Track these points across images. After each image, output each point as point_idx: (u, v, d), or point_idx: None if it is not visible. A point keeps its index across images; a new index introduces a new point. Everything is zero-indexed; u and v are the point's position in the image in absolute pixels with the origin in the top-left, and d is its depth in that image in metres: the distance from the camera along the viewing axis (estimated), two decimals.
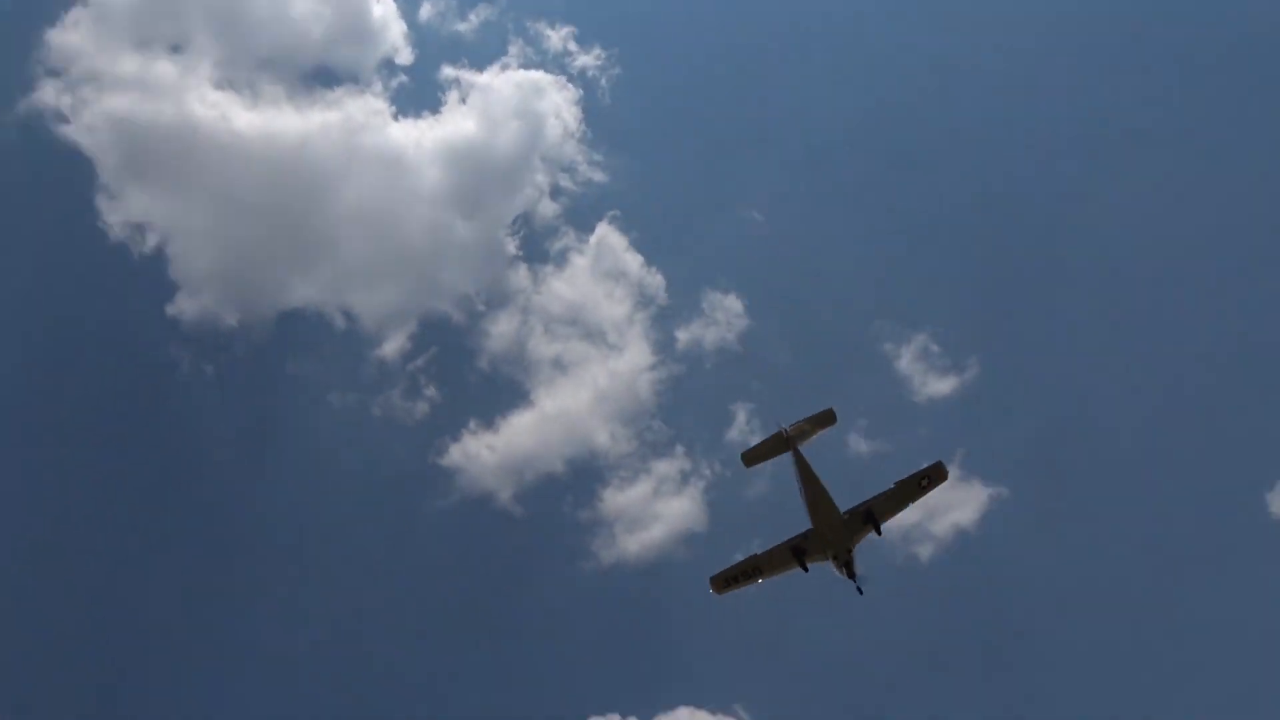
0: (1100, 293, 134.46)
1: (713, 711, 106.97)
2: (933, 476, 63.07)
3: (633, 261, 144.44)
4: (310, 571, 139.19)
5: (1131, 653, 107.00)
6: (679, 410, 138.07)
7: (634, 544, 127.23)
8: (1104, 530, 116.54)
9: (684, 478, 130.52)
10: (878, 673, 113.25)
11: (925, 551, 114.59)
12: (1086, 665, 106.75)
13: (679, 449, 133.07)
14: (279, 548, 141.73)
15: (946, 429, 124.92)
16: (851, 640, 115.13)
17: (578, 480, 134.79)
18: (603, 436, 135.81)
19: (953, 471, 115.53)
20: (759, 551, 63.55)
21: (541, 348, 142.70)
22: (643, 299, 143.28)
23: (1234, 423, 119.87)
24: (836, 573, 63.57)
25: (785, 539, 63.37)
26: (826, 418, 62.34)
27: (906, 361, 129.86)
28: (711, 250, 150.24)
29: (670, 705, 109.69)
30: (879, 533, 62.69)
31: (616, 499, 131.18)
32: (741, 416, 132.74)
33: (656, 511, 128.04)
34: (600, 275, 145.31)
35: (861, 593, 63.38)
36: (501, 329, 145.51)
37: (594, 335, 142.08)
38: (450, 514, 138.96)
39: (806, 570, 62.89)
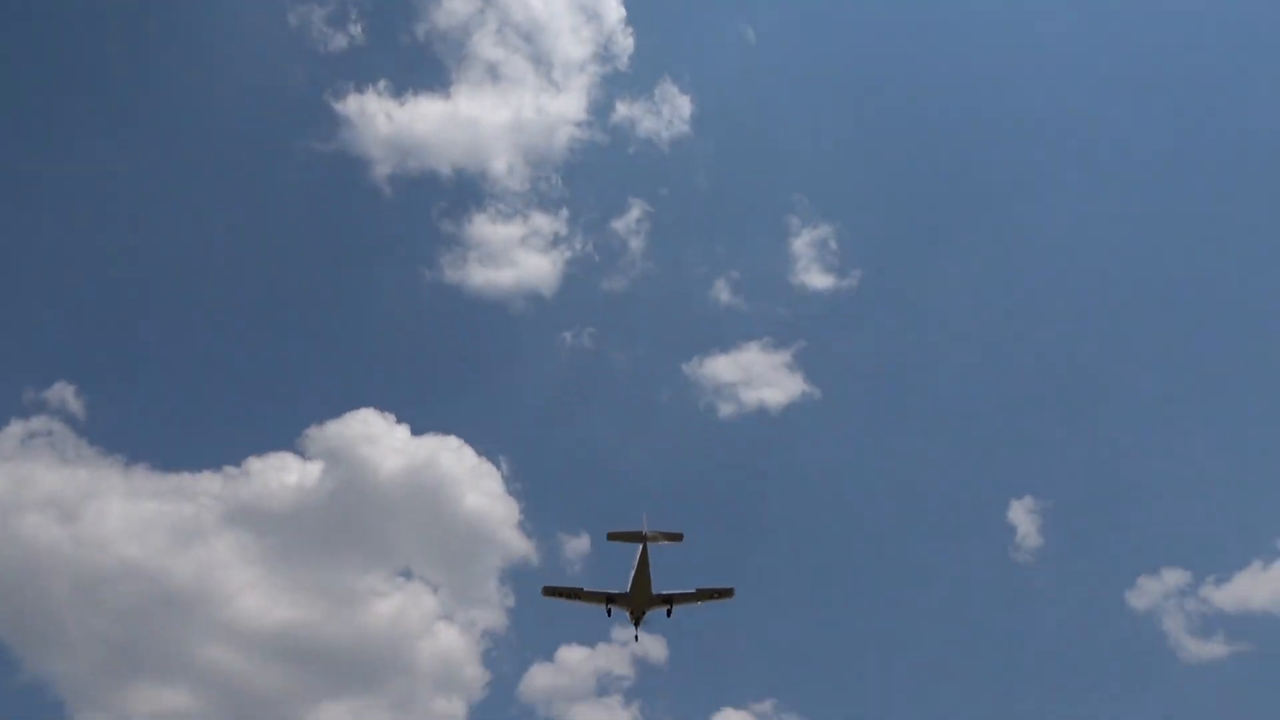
0: (1007, 270, 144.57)
1: (479, 453, 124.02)
2: (722, 594, 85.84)
3: (615, 13, 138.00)
4: (160, 157, 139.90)
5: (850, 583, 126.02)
6: (583, 177, 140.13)
7: (480, 277, 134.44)
8: (879, 469, 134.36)
9: (555, 241, 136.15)
10: (638, 474, 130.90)
11: (726, 410, 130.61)
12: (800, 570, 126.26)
13: (564, 212, 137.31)
14: (142, 119, 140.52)
15: (802, 318, 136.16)
16: (628, 447, 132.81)
17: (458, 191, 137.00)
18: (500, 164, 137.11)
19: (784, 357, 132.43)
20: (585, 588, 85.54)
21: (486, 47, 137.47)
22: (605, 55, 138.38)
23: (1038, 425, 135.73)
24: (630, 619, 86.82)
25: (607, 589, 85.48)
26: (676, 536, 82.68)
27: (802, 244, 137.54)
28: (691, 45, 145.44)
29: (445, 431, 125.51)
30: (669, 614, 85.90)
31: (484, 228, 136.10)
32: (635, 213, 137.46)
33: (516, 259, 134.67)
34: (576, 7, 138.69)
35: (637, 639, 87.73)
36: (456, 5, 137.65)
37: (541, 63, 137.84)
38: (320, 160, 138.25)
39: (610, 615, 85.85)
